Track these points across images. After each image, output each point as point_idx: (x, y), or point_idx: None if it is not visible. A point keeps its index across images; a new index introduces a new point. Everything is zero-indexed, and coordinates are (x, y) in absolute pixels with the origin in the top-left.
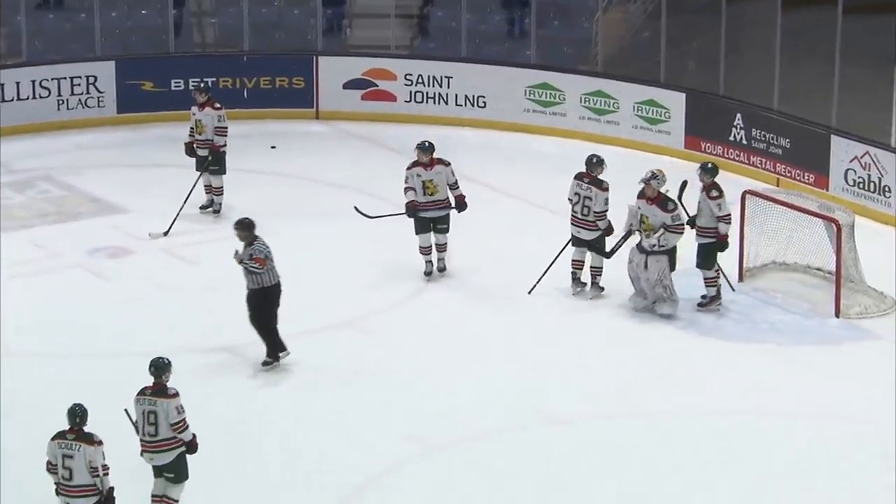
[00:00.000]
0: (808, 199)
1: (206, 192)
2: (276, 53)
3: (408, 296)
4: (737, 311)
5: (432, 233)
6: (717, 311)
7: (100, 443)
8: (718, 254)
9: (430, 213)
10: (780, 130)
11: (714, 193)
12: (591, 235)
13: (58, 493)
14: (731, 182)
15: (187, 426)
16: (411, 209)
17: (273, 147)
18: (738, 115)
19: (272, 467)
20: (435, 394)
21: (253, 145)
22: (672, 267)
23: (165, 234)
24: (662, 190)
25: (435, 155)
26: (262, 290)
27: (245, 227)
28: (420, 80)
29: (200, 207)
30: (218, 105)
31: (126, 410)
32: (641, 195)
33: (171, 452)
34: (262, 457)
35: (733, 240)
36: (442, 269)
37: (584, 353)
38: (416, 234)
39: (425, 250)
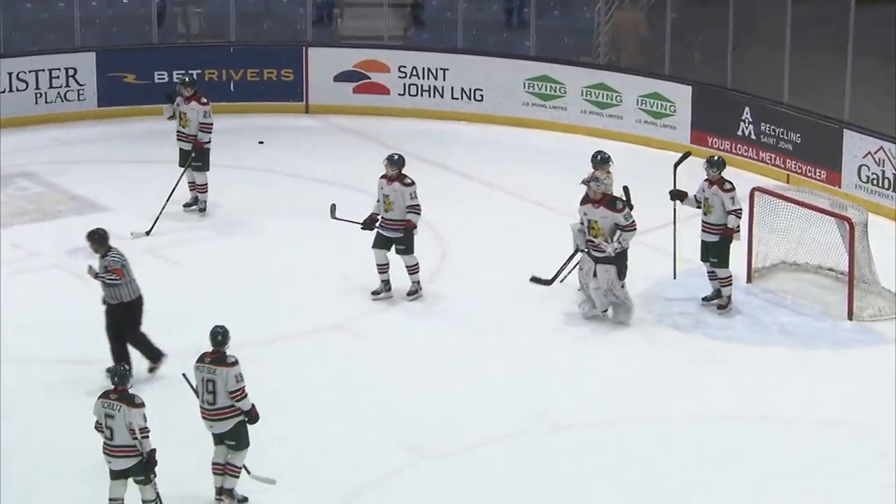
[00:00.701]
0: (820, 197)
1: (190, 190)
2: (263, 44)
3: (401, 296)
4: (746, 313)
5: (396, 253)
6: (710, 311)
7: (140, 405)
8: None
9: (385, 231)
10: (791, 125)
11: (728, 186)
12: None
13: (104, 453)
14: (740, 179)
15: (246, 395)
16: (369, 221)
17: (261, 142)
18: (747, 109)
19: (271, 467)
20: (431, 397)
21: (240, 140)
22: (622, 275)
23: (148, 233)
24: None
25: (405, 171)
26: (122, 306)
27: (97, 240)
28: (414, 73)
29: (184, 205)
30: (205, 100)
31: (184, 375)
32: (585, 200)
33: (229, 421)
34: (260, 456)
35: (741, 240)
36: (412, 294)
37: (586, 356)
38: (372, 248)
39: (380, 267)
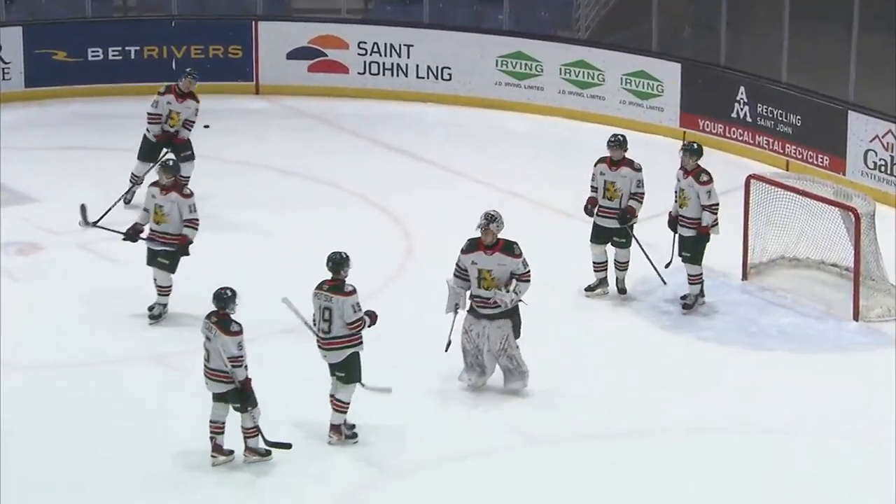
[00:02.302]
0: (822, 185)
1: (134, 181)
2: (208, 18)
3: (366, 296)
4: (741, 314)
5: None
6: (703, 312)
7: (235, 332)
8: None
9: (154, 245)
10: (790, 106)
11: (704, 178)
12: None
13: (203, 374)
14: (734, 165)
15: (364, 325)
16: (132, 232)
17: (206, 127)
18: (742, 89)
19: (266, 466)
20: (411, 403)
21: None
22: (517, 333)
23: (95, 223)
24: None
25: (189, 177)
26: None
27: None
28: (376, 49)
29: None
30: (198, 97)
31: (285, 299)
32: (474, 246)
33: (342, 351)
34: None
35: (736, 232)
36: (156, 317)
37: (568, 364)
38: (148, 264)
39: (161, 290)
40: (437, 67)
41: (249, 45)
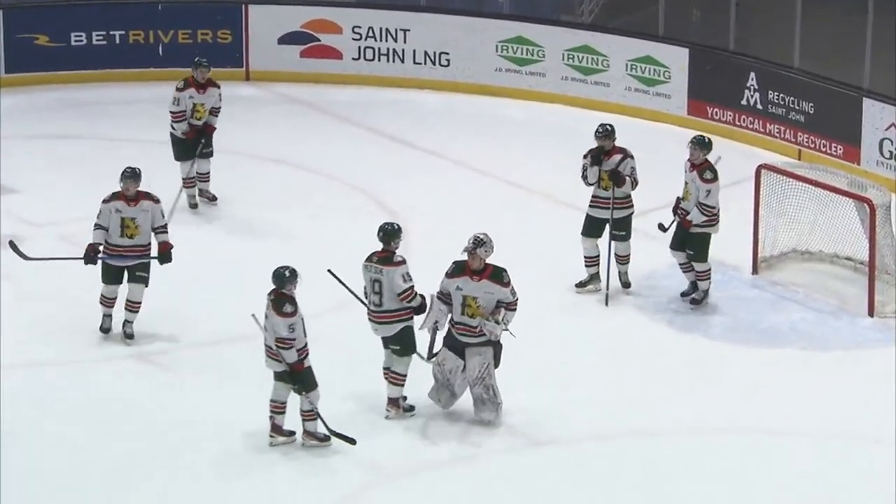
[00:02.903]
0: (836, 175)
1: (189, 186)
2: (197, 1)
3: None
4: (750, 310)
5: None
6: (710, 308)
7: (287, 314)
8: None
9: (123, 262)
10: (802, 93)
11: (708, 175)
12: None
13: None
14: (744, 155)
15: (415, 294)
16: (90, 253)
17: None
18: (752, 75)
19: (266, 464)
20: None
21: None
22: (497, 362)
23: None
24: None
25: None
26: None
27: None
28: (371, 34)
29: (205, 198)
30: (217, 82)
31: (329, 271)
32: (460, 270)
33: (394, 325)
34: (247, 457)
35: (746, 224)
36: (129, 336)
37: (569, 360)
38: (103, 283)
39: (108, 302)
40: (434, 53)
41: (239, 30)
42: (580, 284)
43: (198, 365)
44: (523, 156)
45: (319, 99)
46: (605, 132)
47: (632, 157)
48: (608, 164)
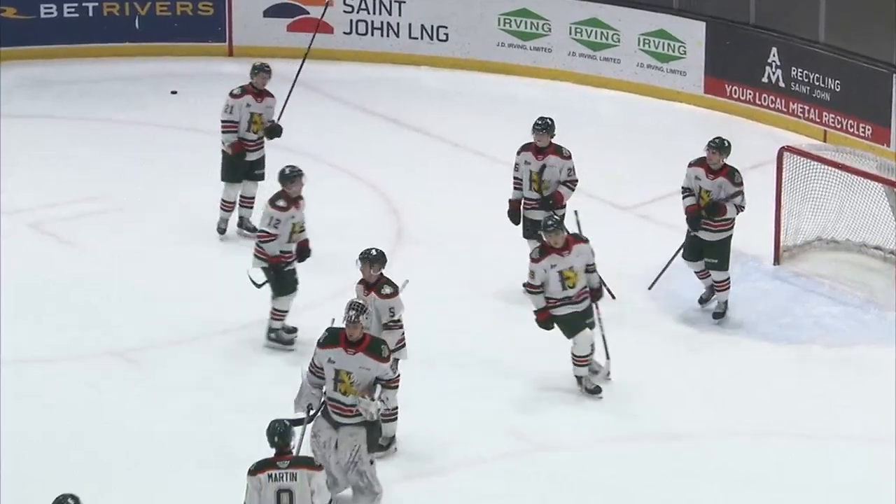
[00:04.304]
0: (864, 158)
1: (227, 208)
2: None
3: (348, 285)
4: (773, 303)
5: None
6: (730, 301)
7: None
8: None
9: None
10: (828, 69)
11: (738, 179)
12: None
13: None
14: (766, 136)
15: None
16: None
17: (174, 92)
18: (774, 50)
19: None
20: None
21: (148, 91)
22: (373, 447)
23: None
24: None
25: None
26: None
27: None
28: (363, 6)
29: (245, 229)
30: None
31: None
32: (333, 340)
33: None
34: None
35: (767, 211)
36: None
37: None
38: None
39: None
40: (432, 27)
41: (222, 1)
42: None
43: (180, 360)
44: (527, 137)
45: (308, 76)
46: (545, 126)
47: (569, 156)
48: (539, 165)
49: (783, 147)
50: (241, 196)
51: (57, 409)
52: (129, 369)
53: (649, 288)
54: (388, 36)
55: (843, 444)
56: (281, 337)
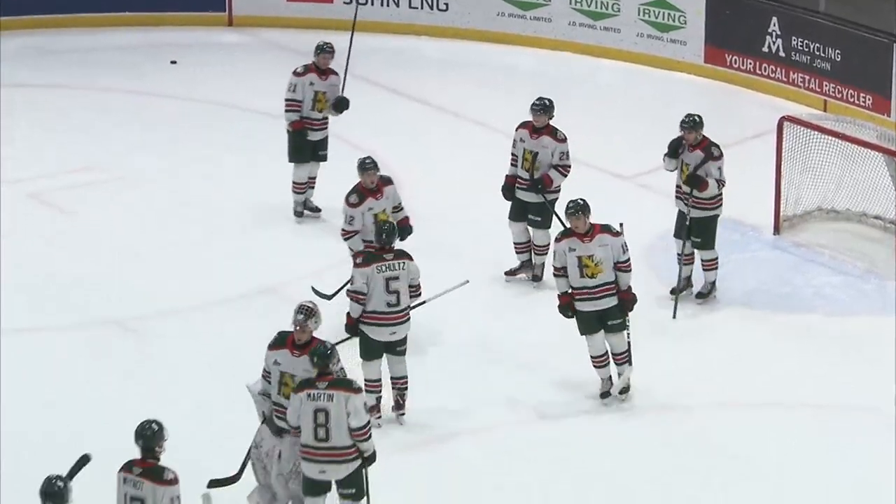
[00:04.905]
0: (864, 128)
1: (300, 191)
2: None
3: (347, 259)
4: (772, 273)
5: None
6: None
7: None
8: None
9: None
10: (829, 39)
11: (716, 152)
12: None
13: None
14: (766, 106)
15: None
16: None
17: (173, 62)
18: (774, 20)
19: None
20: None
21: (147, 61)
22: None
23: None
24: None
25: None
26: None
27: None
28: None
29: (304, 210)
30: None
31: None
32: (280, 342)
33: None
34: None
35: (767, 181)
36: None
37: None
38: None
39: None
40: None
41: None
42: (509, 273)
43: (179, 331)
44: (527, 108)
45: (308, 46)
46: (542, 106)
47: (563, 140)
48: (535, 146)
49: (783, 117)
50: (311, 177)
51: (57, 407)
52: (128, 339)
53: (674, 317)
54: (387, 5)
55: (843, 415)
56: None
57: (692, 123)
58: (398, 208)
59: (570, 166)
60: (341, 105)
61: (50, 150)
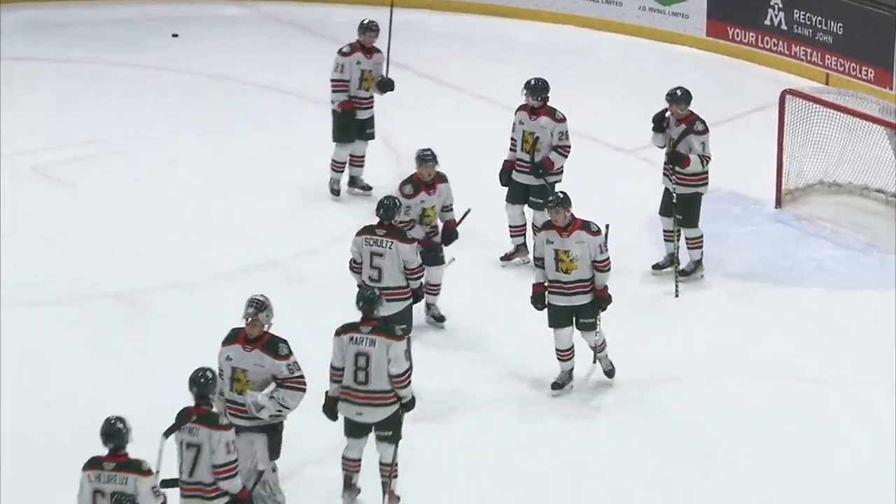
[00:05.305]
0: (867, 101)
1: (337, 169)
2: None
3: (348, 230)
4: (774, 247)
5: None
6: (700, 279)
7: (413, 241)
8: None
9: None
10: (831, 12)
11: (699, 127)
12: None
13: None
14: (768, 79)
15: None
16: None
17: (175, 35)
18: None
19: None
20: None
21: (147, 34)
22: (275, 453)
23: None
24: None
25: None
26: None
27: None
28: None
29: (357, 188)
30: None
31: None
32: (232, 337)
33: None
34: None
35: (769, 154)
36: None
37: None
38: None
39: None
40: None
41: None
42: (504, 258)
43: (180, 306)
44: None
45: (310, 19)
46: (537, 86)
47: (562, 119)
48: (535, 127)
49: (785, 90)
50: (352, 155)
51: (57, 407)
52: (128, 312)
53: (676, 295)
54: None
55: (843, 388)
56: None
57: (674, 96)
58: (448, 209)
59: (569, 146)
60: (386, 86)
61: (51, 123)
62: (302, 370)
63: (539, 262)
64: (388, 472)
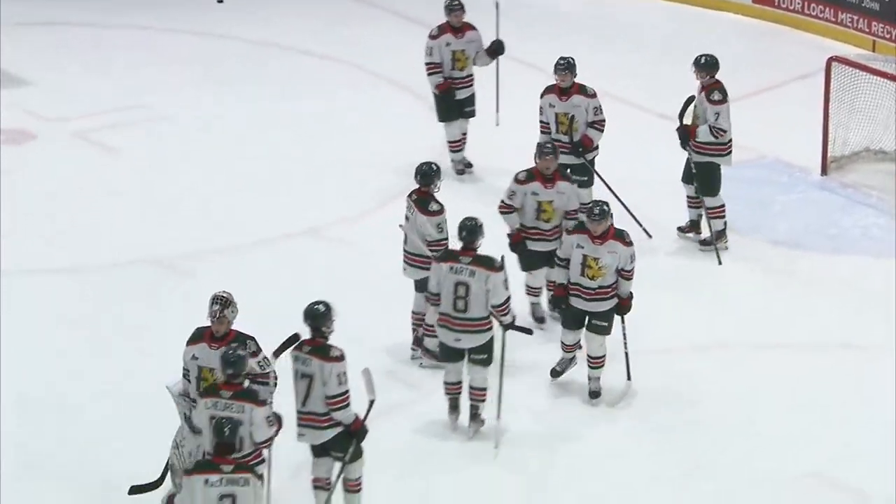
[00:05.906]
0: None
1: (456, 150)
2: None
3: (389, 197)
4: (820, 214)
5: None
6: (725, 250)
7: (436, 212)
8: None
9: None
10: None
11: (716, 97)
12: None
13: None
14: (814, 47)
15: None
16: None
17: (220, 1)
18: None
19: None
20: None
21: (191, 1)
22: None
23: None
24: None
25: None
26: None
27: None
28: None
29: (464, 167)
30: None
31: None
32: (197, 337)
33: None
34: None
35: (815, 122)
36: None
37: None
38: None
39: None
40: None
41: None
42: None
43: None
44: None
45: None
46: (567, 65)
47: (593, 94)
48: (568, 107)
49: (831, 57)
50: (462, 133)
51: (57, 407)
52: (168, 276)
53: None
54: None
55: (889, 356)
56: (536, 311)
57: (697, 62)
58: (573, 215)
59: (604, 121)
60: (498, 51)
61: (91, 89)
62: (273, 365)
63: (563, 263)
64: (478, 395)
